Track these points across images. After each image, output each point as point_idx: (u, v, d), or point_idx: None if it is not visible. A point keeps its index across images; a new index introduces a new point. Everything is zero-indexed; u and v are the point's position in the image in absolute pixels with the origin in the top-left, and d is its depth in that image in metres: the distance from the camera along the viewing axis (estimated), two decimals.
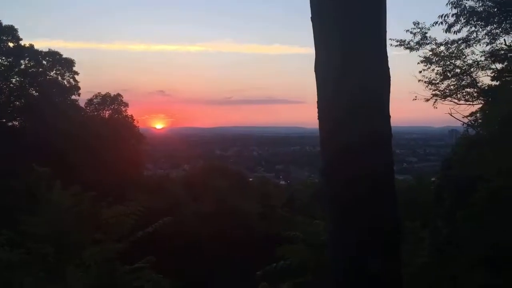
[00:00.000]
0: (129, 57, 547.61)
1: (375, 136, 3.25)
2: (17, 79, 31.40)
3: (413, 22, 15.06)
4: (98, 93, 37.63)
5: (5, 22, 29.87)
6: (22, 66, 31.28)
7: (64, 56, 32.91)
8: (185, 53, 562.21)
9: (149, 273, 6.14)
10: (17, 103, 31.76)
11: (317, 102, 3.45)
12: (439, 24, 13.65)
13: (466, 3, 13.27)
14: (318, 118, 3.45)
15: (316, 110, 3.50)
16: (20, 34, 30.73)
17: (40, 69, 31.91)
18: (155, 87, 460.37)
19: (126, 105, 37.86)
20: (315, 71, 3.45)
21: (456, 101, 15.52)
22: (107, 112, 37.57)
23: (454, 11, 13.22)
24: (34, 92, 32.07)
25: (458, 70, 15.33)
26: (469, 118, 14.09)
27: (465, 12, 13.26)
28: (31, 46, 31.36)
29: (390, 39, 3.55)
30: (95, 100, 37.34)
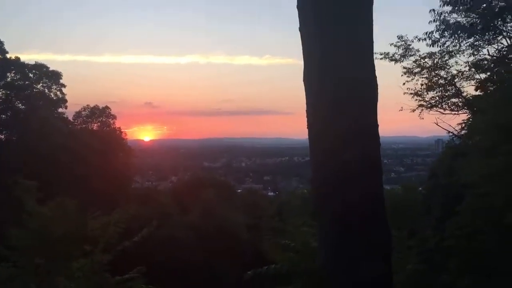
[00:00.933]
0: (118, 69, 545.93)
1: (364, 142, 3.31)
2: (3, 92, 31.07)
3: (397, 36, 15.37)
4: (87, 105, 37.46)
5: None
6: (8, 79, 30.99)
7: (51, 68, 32.75)
8: (174, 64, 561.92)
9: (140, 284, 6.10)
10: (3, 116, 31.40)
11: (306, 111, 3.52)
12: (423, 40, 13.95)
13: (450, 18, 13.55)
14: (307, 127, 3.51)
15: (305, 120, 3.56)
16: (7, 47, 30.56)
17: (27, 82, 31.65)
18: (143, 99, 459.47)
19: (114, 117, 37.75)
20: (303, 81, 3.52)
21: (441, 111, 15.75)
22: (95, 124, 37.35)
23: (440, 27, 13.48)
24: (20, 105, 31.77)
25: (442, 81, 15.57)
26: (454, 127, 14.31)
27: (451, 27, 13.52)
28: (17, 58, 31.13)
29: (374, 52, 3.70)
30: (83, 113, 37.13)
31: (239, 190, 51.09)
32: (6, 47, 30.46)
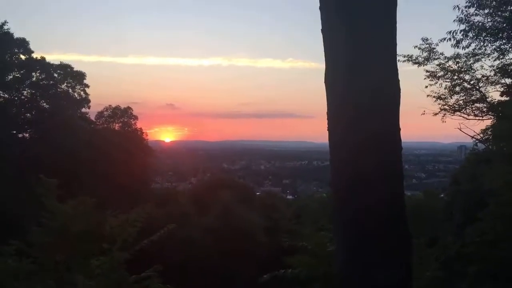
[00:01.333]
0: (142, 70, 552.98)
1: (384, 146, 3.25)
2: (28, 91, 31.72)
3: (422, 38, 15.13)
4: (109, 105, 38.05)
5: (17, 35, 30.37)
6: (34, 79, 31.61)
7: (75, 69, 33.34)
8: (197, 66, 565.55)
9: (157, 282, 6.13)
10: (28, 115, 32.07)
11: (327, 113, 3.47)
12: (447, 40, 13.68)
13: (474, 19, 13.32)
14: (328, 129, 3.46)
15: (325, 124, 3.51)
16: (33, 47, 31.21)
17: (51, 82, 32.24)
18: (166, 100, 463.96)
19: (136, 118, 38.23)
20: (325, 83, 3.47)
21: (465, 116, 15.47)
22: (117, 124, 37.88)
23: (462, 27, 13.26)
24: (45, 104, 32.39)
25: (467, 85, 15.30)
26: (478, 133, 14.04)
27: (474, 27, 13.29)
28: (43, 58, 31.76)
29: (398, 54, 3.65)
30: (105, 113, 37.70)
31: (258, 193, 51.09)
32: (32, 47, 31.09)
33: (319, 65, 3.48)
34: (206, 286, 22.56)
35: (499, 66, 14.46)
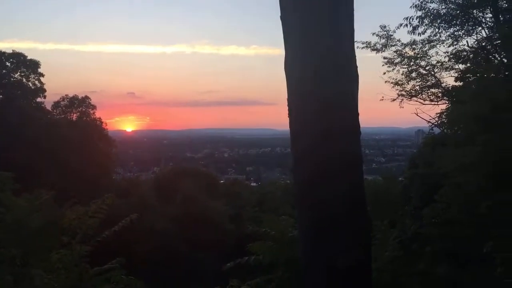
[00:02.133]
0: (102, 58, 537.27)
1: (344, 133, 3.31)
2: None
3: (380, 26, 15.40)
4: (66, 95, 36.89)
5: None
6: None
7: (30, 57, 32.12)
8: (160, 54, 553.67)
9: (119, 275, 6.05)
10: None
11: (287, 99, 3.49)
12: (404, 26, 13.98)
13: (430, 5, 13.65)
14: (288, 115, 3.49)
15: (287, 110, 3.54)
16: None
17: (4, 71, 31.02)
18: (126, 89, 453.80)
19: (94, 107, 37.30)
20: (284, 69, 3.49)
21: (421, 101, 15.92)
22: (74, 114, 36.83)
23: (419, 13, 13.57)
24: None
25: (422, 71, 15.72)
26: (434, 117, 14.48)
27: (429, 14, 13.63)
28: None
29: (356, 41, 3.69)
30: (62, 103, 36.56)
31: (222, 181, 51.03)
32: None
33: (284, 51, 3.48)
34: (171, 276, 22.46)
35: (453, 52, 14.92)
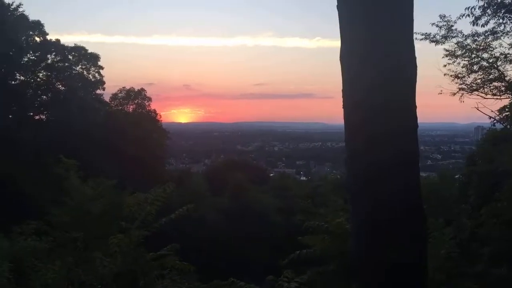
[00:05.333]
0: (166, 50, 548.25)
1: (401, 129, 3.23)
2: (44, 73, 32.02)
3: (439, 15, 14.78)
4: (123, 87, 38.22)
5: (32, 17, 30.49)
6: (49, 61, 31.87)
7: (90, 50, 33.45)
8: (221, 46, 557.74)
9: (174, 260, 6.24)
10: (44, 97, 32.41)
11: (342, 92, 3.45)
12: (465, 17, 13.34)
13: None
14: (343, 107, 3.44)
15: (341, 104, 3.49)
16: (47, 28, 31.34)
17: (66, 64, 32.46)
18: (183, 81, 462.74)
19: (150, 99, 38.39)
20: (340, 61, 3.44)
21: (483, 95, 15.17)
22: (131, 106, 38.09)
23: (481, 3, 12.91)
24: (60, 86, 32.67)
25: (485, 63, 14.99)
26: (496, 112, 13.80)
27: (493, 4, 12.95)
28: (57, 41, 31.94)
29: (415, 32, 3.56)
30: (119, 95, 37.91)
31: (271, 174, 51.23)
32: (54, 28, 31.23)
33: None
34: (221, 267, 22.87)
35: None
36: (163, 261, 6.26)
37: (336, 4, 3.34)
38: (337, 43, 3.45)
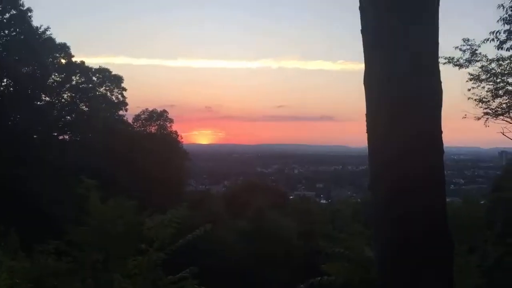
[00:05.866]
0: (190, 73, 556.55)
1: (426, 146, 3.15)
2: (68, 94, 32.72)
3: (463, 39, 14.69)
4: (146, 109, 38.82)
5: (58, 40, 31.35)
6: (74, 82, 32.58)
7: (113, 72, 34.17)
8: (245, 69, 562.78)
9: (192, 284, 6.17)
10: (68, 117, 33.05)
11: (366, 115, 3.40)
12: (490, 41, 13.21)
13: None
14: (367, 132, 3.39)
15: (363, 128, 3.44)
16: (73, 50, 32.17)
17: (90, 85, 33.16)
18: (205, 103, 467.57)
19: (172, 121, 38.86)
20: (363, 84, 3.41)
21: (509, 120, 14.92)
22: (153, 127, 38.57)
23: (506, 27, 12.79)
24: (84, 107, 33.33)
25: (510, 88, 14.78)
26: None
27: None
28: (82, 62, 32.74)
29: (439, 56, 3.53)
30: (142, 116, 38.47)
31: (291, 197, 50.87)
32: (83, 50, 32.10)
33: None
34: None
35: None
36: (182, 285, 6.20)
37: (360, 29, 3.33)
38: (359, 66, 3.42)
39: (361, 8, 3.32)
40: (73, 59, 32.10)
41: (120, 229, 6.66)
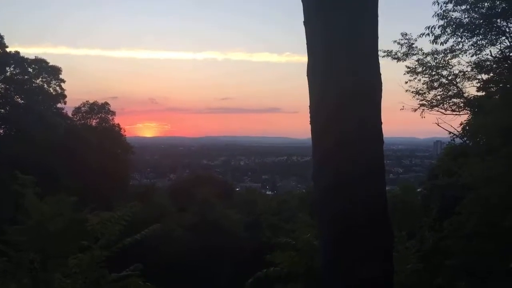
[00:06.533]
0: (132, 64, 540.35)
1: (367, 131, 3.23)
2: (2, 86, 30.96)
3: (401, 33, 15.26)
4: (86, 101, 37.39)
5: None
6: (8, 73, 30.89)
7: (51, 63, 32.65)
8: (191, 60, 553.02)
9: (137, 281, 6.03)
10: (2, 110, 31.30)
11: (309, 107, 3.44)
12: (425, 36, 13.81)
13: (452, 14, 13.48)
14: (310, 123, 3.43)
15: (308, 119, 3.48)
16: (7, 41, 30.40)
17: (26, 77, 31.55)
18: (148, 94, 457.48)
19: (114, 113, 37.69)
20: (307, 76, 3.44)
21: (443, 111, 15.69)
22: (94, 120, 37.29)
23: (441, 22, 13.40)
24: (19, 99, 31.68)
25: (444, 80, 15.52)
26: (455, 128, 14.26)
27: (452, 23, 13.45)
28: (17, 53, 31.04)
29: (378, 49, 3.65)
30: (82, 109, 37.05)
31: (237, 189, 51.03)
32: (22, 40, 30.44)
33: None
34: (186, 284, 22.45)
35: (475, 62, 14.70)
36: (126, 283, 6.05)
37: (303, 20, 3.35)
38: (305, 59, 3.45)
39: (303, 1, 3.34)
40: (7, 49, 30.36)
41: (59, 227, 6.38)
